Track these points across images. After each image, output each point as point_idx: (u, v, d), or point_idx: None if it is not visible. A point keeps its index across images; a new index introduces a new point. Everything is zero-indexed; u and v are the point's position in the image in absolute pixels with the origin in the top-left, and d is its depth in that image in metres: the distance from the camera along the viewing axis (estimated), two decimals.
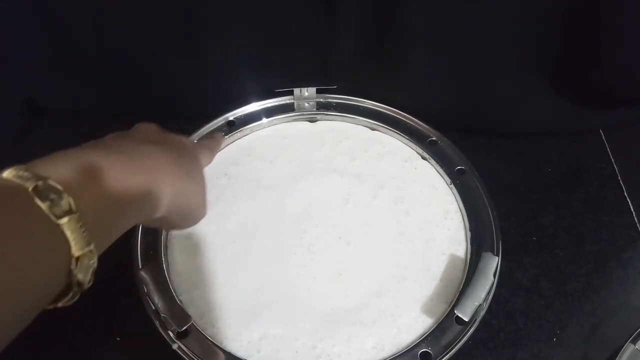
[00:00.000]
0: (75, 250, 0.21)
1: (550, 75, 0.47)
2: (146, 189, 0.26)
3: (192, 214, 0.34)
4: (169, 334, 0.36)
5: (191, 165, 0.33)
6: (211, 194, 0.45)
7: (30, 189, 0.20)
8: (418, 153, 0.48)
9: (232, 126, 0.49)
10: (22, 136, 0.51)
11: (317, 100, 0.51)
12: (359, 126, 0.50)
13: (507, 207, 0.45)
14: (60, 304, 0.22)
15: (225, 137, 0.48)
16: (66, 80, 0.49)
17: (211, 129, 0.49)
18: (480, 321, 0.38)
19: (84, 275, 0.21)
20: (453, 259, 0.41)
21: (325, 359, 0.37)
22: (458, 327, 0.37)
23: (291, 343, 0.37)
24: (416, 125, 0.49)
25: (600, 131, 0.52)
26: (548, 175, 0.49)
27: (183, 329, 0.36)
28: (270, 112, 0.50)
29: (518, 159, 0.50)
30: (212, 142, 0.42)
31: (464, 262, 0.41)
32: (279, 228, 0.43)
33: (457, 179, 0.46)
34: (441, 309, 0.39)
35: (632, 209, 0.46)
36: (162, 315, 0.36)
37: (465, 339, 0.37)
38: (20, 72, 0.48)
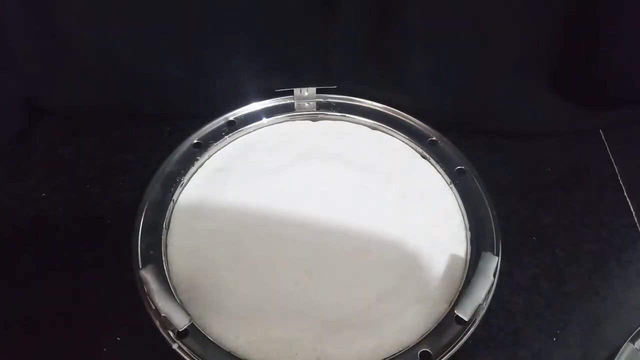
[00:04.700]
0: None
1: (550, 75, 0.47)
2: None
3: None
4: (169, 334, 0.36)
5: None
6: (210, 191, 0.46)
7: None
8: (418, 153, 0.48)
9: (232, 126, 0.49)
10: (22, 136, 0.51)
11: (317, 100, 0.51)
12: (359, 126, 0.50)
13: (507, 207, 0.45)
14: None
15: (226, 137, 0.48)
16: (66, 80, 0.49)
17: (211, 129, 0.49)
18: (480, 321, 0.38)
19: None
20: (453, 258, 0.42)
21: None
22: (458, 327, 0.37)
23: (291, 344, 0.37)
24: (416, 125, 0.49)
25: (600, 131, 0.52)
26: (548, 175, 0.49)
27: (183, 328, 0.36)
28: (270, 112, 0.50)
29: (518, 159, 0.50)
30: None
31: (464, 262, 0.41)
32: (280, 226, 0.43)
33: (457, 179, 0.46)
34: (441, 308, 0.39)
35: (632, 209, 0.46)
36: (162, 315, 0.36)
37: (465, 338, 0.37)
38: (20, 72, 0.48)
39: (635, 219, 0.46)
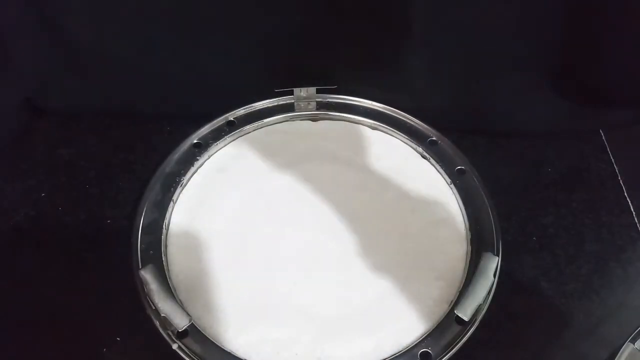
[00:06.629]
0: None
1: (550, 75, 0.47)
2: None
3: None
4: (169, 334, 0.36)
5: None
6: (210, 191, 0.46)
7: None
8: (418, 153, 0.48)
9: (232, 126, 0.49)
10: (22, 136, 0.51)
11: (317, 100, 0.51)
12: (359, 126, 0.50)
13: (507, 207, 0.45)
14: None
15: (226, 137, 0.48)
16: (66, 80, 0.49)
17: (211, 128, 0.49)
18: (480, 321, 0.38)
19: None
20: (453, 258, 0.41)
21: None
22: (458, 327, 0.37)
23: (291, 345, 0.37)
24: (416, 125, 0.49)
25: (600, 131, 0.52)
26: (548, 175, 0.49)
27: (183, 328, 0.36)
28: (270, 112, 0.50)
29: (518, 159, 0.50)
30: None
31: (464, 262, 0.41)
32: (280, 226, 0.43)
33: (457, 179, 0.46)
34: (441, 309, 0.39)
35: (632, 209, 0.46)
36: (161, 315, 0.36)
37: (465, 339, 0.37)
38: (20, 72, 0.48)
39: (636, 219, 0.46)
